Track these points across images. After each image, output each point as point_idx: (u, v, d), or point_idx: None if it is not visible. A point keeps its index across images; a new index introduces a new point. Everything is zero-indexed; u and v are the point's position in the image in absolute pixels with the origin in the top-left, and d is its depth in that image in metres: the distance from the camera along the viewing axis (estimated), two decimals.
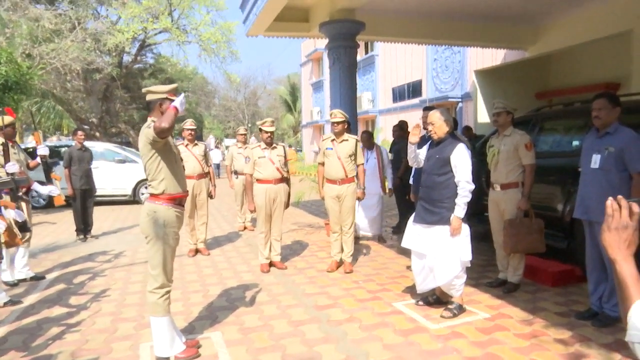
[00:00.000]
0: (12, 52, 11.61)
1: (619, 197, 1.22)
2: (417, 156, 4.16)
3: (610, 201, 1.23)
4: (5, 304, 4.41)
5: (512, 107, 4.50)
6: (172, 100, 3.18)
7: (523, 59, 10.89)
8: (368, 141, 7.02)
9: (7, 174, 4.36)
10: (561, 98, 9.98)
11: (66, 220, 9.49)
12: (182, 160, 3.49)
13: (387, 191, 7.05)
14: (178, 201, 3.29)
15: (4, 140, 5.19)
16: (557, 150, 5.51)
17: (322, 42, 17.56)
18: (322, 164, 5.46)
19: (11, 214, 3.58)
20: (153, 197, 3.22)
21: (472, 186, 3.78)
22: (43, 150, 5.27)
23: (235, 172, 8.30)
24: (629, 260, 1.20)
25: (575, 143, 5.35)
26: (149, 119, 3.23)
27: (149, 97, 3.26)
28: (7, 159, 4.71)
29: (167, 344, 3.23)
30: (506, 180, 4.44)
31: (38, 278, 5.33)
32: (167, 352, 3.23)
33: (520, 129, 4.58)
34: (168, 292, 3.27)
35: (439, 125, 3.88)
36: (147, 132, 3.10)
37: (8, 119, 5.28)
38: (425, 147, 4.15)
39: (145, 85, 25.21)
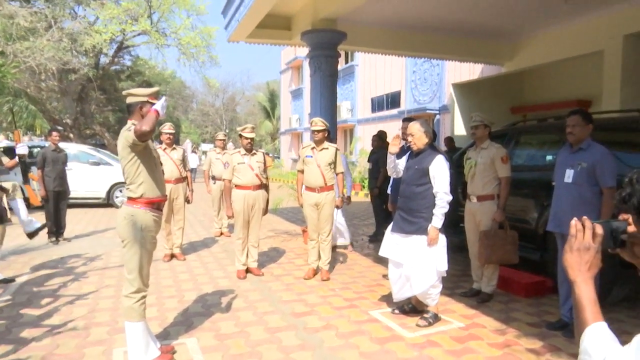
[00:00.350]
0: None
1: (584, 217, 1.19)
2: (397, 166, 4.22)
3: (574, 221, 1.19)
4: None
5: (490, 120, 4.60)
6: (153, 104, 3.16)
7: (499, 74, 11.18)
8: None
9: None
10: (535, 113, 10.26)
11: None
12: (161, 164, 3.46)
13: (345, 199, 6.28)
14: (156, 205, 3.25)
15: None
16: (531, 164, 5.66)
17: (303, 50, 17.65)
18: (302, 171, 5.48)
19: None
20: (131, 200, 3.18)
21: (450, 197, 3.85)
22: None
23: (213, 178, 8.24)
24: (588, 283, 1.17)
25: (549, 157, 5.50)
26: (129, 122, 3.19)
27: (129, 100, 3.23)
28: None
29: (141, 350, 3.18)
30: (482, 192, 4.54)
31: (7, 281, 5.18)
32: (142, 357, 3.18)
33: (496, 143, 4.69)
34: (144, 297, 3.23)
35: (418, 137, 3.94)
36: (127, 135, 3.07)
37: None
38: (404, 158, 4.21)
39: (122, 87, 24.90)
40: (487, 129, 4.60)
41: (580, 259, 1.17)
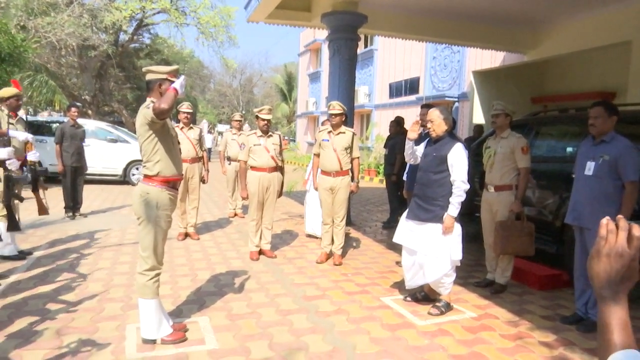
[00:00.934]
0: (6, 23, 11.41)
1: (618, 216, 0.94)
2: (415, 153, 4.17)
3: (606, 220, 0.93)
4: None
5: (511, 109, 4.51)
6: (172, 82, 3.15)
7: (521, 63, 10.94)
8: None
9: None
10: (556, 104, 10.05)
11: (55, 196, 9.38)
12: (178, 143, 3.46)
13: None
14: (172, 184, 3.26)
15: (6, 112, 5.13)
16: (551, 155, 5.55)
17: (322, 33, 17.45)
18: (318, 155, 5.46)
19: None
20: (147, 178, 3.19)
21: (467, 186, 3.79)
22: (33, 157, 4.83)
23: (229, 158, 8.25)
24: (619, 299, 0.92)
25: (570, 149, 5.39)
26: (148, 99, 3.19)
27: (148, 77, 3.22)
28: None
29: (154, 326, 3.21)
30: (500, 182, 4.47)
31: (25, 254, 5.27)
32: (154, 334, 3.22)
33: (516, 132, 4.60)
34: (158, 274, 3.25)
35: (438, 123, 3.88)
36: (145, 113, 3.06)
37: (12, 90, 5.21)
38: (422, 144, 4.15)
39: (140, 65, 24.94)
40: (507, 118, 4.51)
41: (610, 267, 0.91)
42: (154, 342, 3.21)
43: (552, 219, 5.10)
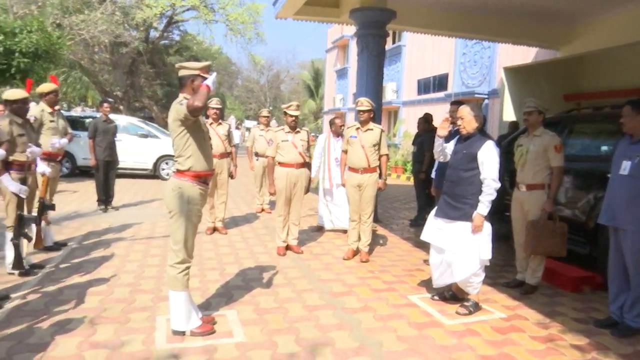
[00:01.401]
0: (43, 21, 11.74)
1: None
2: (444, 150, 4.12)
3: None
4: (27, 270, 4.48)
5: (544, 107, 4.41)
6: (204, 77, 3.19)
7: (554, 59, 10.67)
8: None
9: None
10: (590, 101, 9.77)
11: (88, 190, 9.64)
12: (210, 138, 3.50)
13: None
14: (203, 179, 3.30)
15: (48, 108, 5.28)
16: (585, 154, 5.41)
17: (349, 29, 17.38)
18: (346, 151, 5.45)
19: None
20: (179, 173, 3.24)
21: (498, 185, 3.73)
22: (43, 168, 4.76)
23: (256, 154, 8.31)
24: None
25: (604, 148, 5.24)
26: (181, 95, 3.24)
27: (181, 73, 3.26)
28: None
29: (183, 319, 3.27)
30: (532, 181, 4.38)
31: (60, 245, 5.43)
32: (184, 326, 3.27)
33: (549, 130, 4.49)
34: (188, 267, 3.31)
35: (468, 120, 3.83)
36: (178, 109, 3.11)
37: (51, 86, 5.37)
38: (452, 142, 4.10)
39: (170, 61, 25.38)
40: (540, 115, 4.41)
41: None
42: (183, 333, 3.27)
43: (585, 219, 4.97)
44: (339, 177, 6.82)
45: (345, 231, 6.94)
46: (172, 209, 3.21)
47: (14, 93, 4.51)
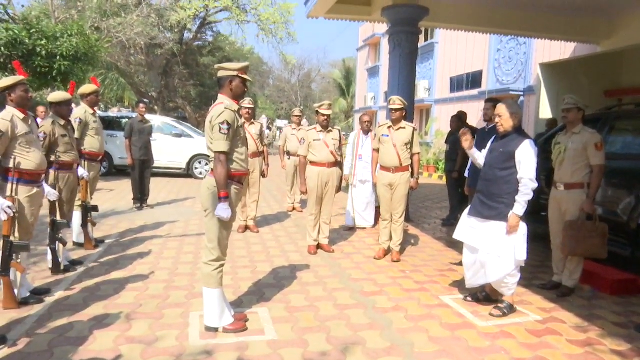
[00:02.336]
0: (82, 25, 12.14)
1: None
2: (477, 161, 4.12)
3: None
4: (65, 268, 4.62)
5: (584, 103, 4.27)
6: (243, 78, 3.25)
7: (594, 54, 10.33)
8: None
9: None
10: (633, 97, 9.42)
11: (124, 188, 9.90)
12: (246, 140, 3.53)
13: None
14: (238, 178, 3.34)
15: (89, 109, 5.45)
16: (627, 152, 5.21)
17: (381, 27, 17.26)
18: (377, 150, 5.41)
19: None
20: (213, 172, 3.28)
21: (536, 184, 3.63)
22: (82, 172, 4.92)
23: (288, 153, 8.36)
24: None
25: None
26: (220, 96, 3.31)
27: (220, 74, 3.31)
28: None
29: (217, 315, 3.32)
30: (571, 180, 4.24)
31: (98, 242, 5.59)
32: (217, 322, 3.32)
33: (589, 128, 4.35)
34: (222, 265, 3.35)
35: (506, 118, 3.74)
36: (215, 124, 3.15)
37: (92, 87, 5.54)
38: (484, 151, 4.06)
39: (203, 62, 25.79)
40: (580, 112, 4.27)
41: None
42: (216, 330, 3.32)
43: (626, 220, 4.79)
44: (363, 174, 6.81)
45: (365, 228, 6.94)
46: (208, 208, 3.26)
47: (58, 95, 4.67)
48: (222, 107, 3.19)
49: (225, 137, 3.15)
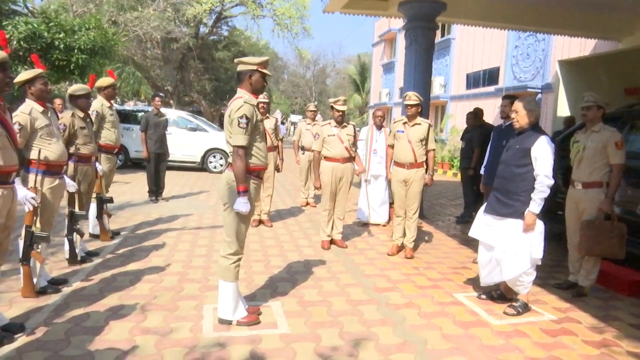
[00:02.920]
0: (100, 19, 12.24)
1: None
2: None
3: None
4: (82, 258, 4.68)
5: (604, 101, 4.20)
6: (262, 73, 3.26)
7: (615, 51, 10.15)
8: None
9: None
10: None
11: (139, 181, 9.99)
12: (265, 134, 3.54)
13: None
14: (256, 173, 3.35)
15: (106, 102, 5.51)
16: None
17: (397, 23, 17.12)
18: (392, 146, 5.39)
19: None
20: (232, 167, 3.29)
21: (552, 182, 3.59)
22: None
23: (302, 148, 8.36)
24: None
25: None
26: (239, 90, 3.31)
27: (240, 68, 3.31)
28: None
29: (231, 308, 3.34)
30: (589, 178, 4.18)
31: (114, 233, 5.65)
32: (230, 315, 3.34)
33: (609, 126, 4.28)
34: (239, 259, 3.38)
35: (522, 115, 3.70)
36: (233, 117, 3.16)
37: (109, 80, 5.59)
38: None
39: (219, 57, 25.87)
40: (600, 110, 4.20)
41: None
42: (229, 323, 3.34)
43: None
44: (377, 169, 6.79)
45: (378, 225, 6.92)
46: (227, 202, 3.28)
47: (77, 88, 4.73)
48: (241, 101, 3.19)
49: (244, 131, 3.15)
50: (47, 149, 3.69)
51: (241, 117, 3.14)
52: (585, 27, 9.34)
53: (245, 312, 3.41)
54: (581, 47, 11.68)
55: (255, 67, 3.26)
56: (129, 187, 9.57)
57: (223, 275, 3.34)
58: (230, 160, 3.30)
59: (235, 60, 3.42)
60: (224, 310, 3.35)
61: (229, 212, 3.28)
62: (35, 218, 3.59)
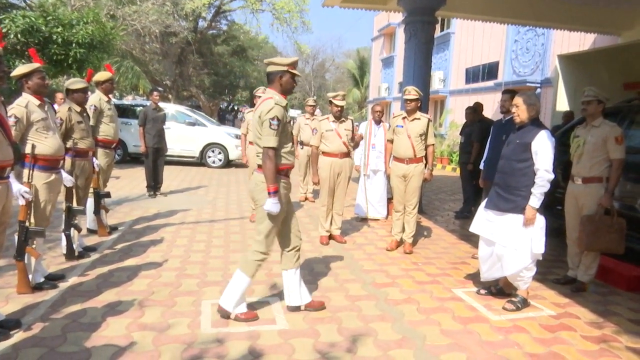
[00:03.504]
0: (98, 13, 12.15)
1: None
2: None
3: None
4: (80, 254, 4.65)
5: (605, 96, 4.17)
6: (293, 74, 3.28)
7: (614, 46, 10.11)
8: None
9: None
10: None
11: (137, 176, 9.96)
12: (291, 134, 3.55)
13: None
14: (285, 172, 3.37)
15: (104, 96, 5.47)
16: None
17: (396, 17, 17.06)
18: (391, 141, 5.36)
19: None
20: (261, 168, 3.28)
21: (552, 176, 3.57)
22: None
23: (301, 143, 8.33)
24: None
25: None
26: (269, 90, 3.33)
27: (270, 69, 3.32)
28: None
29: (234, 301, 3.34)
30: (589, 173, 4.16)
31: (112, 228, 5.63)
32: (231, 307, 3.34)
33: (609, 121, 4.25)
34: (264, 259, 3.39)
35: (523, 109, 3.68)
36: (264, 119, 3.17)
37: (107, 74, 5.55)
38: None
39: (217, 51, 25.77)
40: (600, 105, 4.18)
41: None
42: (227, 314, 3.34)
43: None
44: (375, 163, 6.78)
45: (377, 220, 6.91)
46: (259, 201, 3.30)
47: (75, 82, 4.69)
48: (272, 103, 3.20)
49: (274, 133, 3.17)
50: (44, 143, 3.66)
51: (272, 119, 3.15)
52: (585, 21, 9.31)
53: (246, 309, 3.41)
54: (580, 41, 11.64)
55: (285, 68, 3.27)
56: (127, 182, 9.53)
57: (243, 267, 3.36)
58: (258, 161, 3.29)
59: (265, 61, 3.44)
60: (227, 300, 3.34)
61: (260, 211, 3.30)
62: (29, 213, 3.56)
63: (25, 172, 3.54)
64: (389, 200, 6.63)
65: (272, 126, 3.14)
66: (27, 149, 3.56)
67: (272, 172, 3.17)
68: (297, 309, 3.52)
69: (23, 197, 3.40)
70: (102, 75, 5.51)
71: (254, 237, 3.42)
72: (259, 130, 3.22)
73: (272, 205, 3.18)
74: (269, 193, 3.18)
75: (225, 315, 3.34)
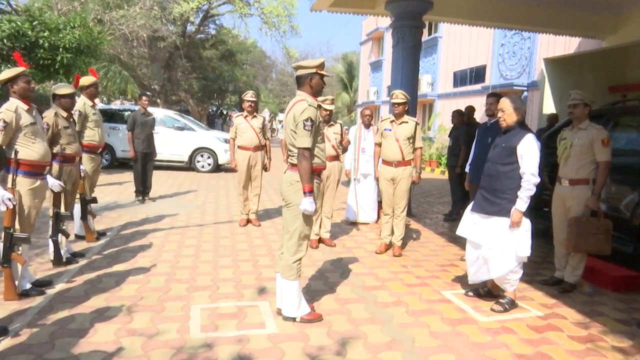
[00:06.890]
0: (85, 17, 12.06)
1: None
2: None
3: None
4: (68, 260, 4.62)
5: (591, 99, 4.23)
6: (321, 75, 3.34)
7: (599, 49, 10.24)
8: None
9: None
10: (637, 93, 9.33)
11: (126, 181, 9.90)
12: (324, 135, 3.58)
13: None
14: (318, 172, 3.43)
15: (89, 101, 5.43)
16: (631, 148, 5.18)
17: (384, 21, 17.15)
18: (379, 144, 5.39)
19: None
20: (294, 167, 3.32)
21: (538, 179, 3.61)
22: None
23: None
24: None
25: None
26: (300, 92, 3.38)
27: (299, 72, 3.37)
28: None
29: (295, 305, 3.40)
30: (576, 175, 4.21)
31: (100, 234, 5.59)
32: (294, 312, 3.41)
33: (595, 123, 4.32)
34: (302, 257, 3.42)
35: (509, 113, 3.72)
36: (299, 121, 3.22)
37: (91, 79, 5.51)
38: None
39: (206, 55, 25.69)
40: (586, 108, 4.23)
41: None
42: (294, 320, 3.40)
43: (629, 216, 4.77)
44: (365, 167, 6.81)
45: (367, 223, 6.93)
46: (291, 202, 3.33)
47: (62, 87, 4.66)
48: (305, 104, 3.25)
49: (309, 134, 3.21)
50: (31, 148, 3.63)
51: (306, 120, 3.20)
52: (570, 25, 9.44)
53: (308, 308, 3.46)
54: (566, 45, 11.80)
55: (314, 70, 3.33)
56: (115, 187, 9.47)
57: (285, 274, 3.38)
58: (291, 160, 3.33)
59: (293, 66, 3.50)
60: (288, 308, 3.40)
61: (292, 211, 3.33)
62: (13, 219, 3.53)
63: (10, 177, 3.51)
64: (380, 203, 6.66)
65: (306, 127, 3.20)
66: (12, 154, 3.52)
67: (308, 172, 3.21)
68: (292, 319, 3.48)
69: (6, 204, 3.37)
70: (86, 80, 5.48)
71: (285, 242, 3.42)
72: (294, 131, 3.26)
73: (308, 204, 3.22)
74: (304, 192, 3.22)
75: (291, 321, 3.41)
